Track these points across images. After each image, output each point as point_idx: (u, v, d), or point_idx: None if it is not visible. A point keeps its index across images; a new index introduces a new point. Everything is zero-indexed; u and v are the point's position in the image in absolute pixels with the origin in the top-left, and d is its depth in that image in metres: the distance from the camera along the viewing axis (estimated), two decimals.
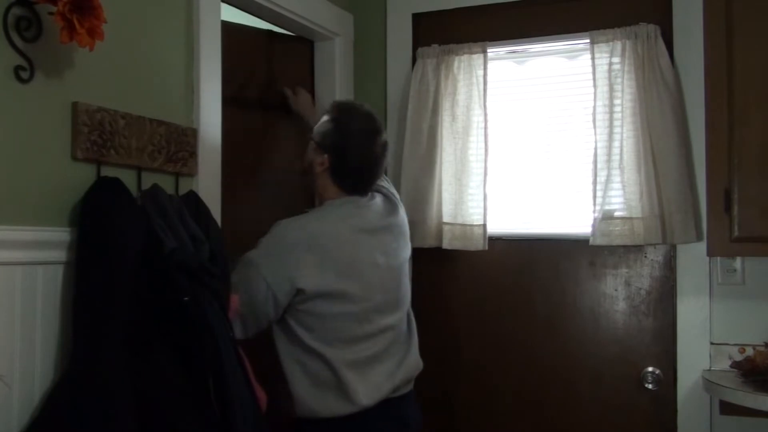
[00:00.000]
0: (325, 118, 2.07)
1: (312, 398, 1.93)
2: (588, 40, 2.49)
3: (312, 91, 2.71)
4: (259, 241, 1.96)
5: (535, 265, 2.66)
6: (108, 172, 1.63)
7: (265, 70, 2.50)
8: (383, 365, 2.02)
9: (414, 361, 2.12)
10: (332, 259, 1.94)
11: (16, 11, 1.42)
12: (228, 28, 2.19)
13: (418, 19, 2.81)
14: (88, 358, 1.45)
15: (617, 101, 2.44)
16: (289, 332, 1.95)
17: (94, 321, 1.47)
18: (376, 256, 2.04)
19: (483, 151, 2.59)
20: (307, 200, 2.68)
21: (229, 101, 2.16)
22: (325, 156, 2.02)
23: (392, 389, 2.01)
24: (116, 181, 1.59)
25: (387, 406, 1.99)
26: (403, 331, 2.12)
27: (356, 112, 2.10)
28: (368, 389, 1.96)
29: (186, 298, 1.58)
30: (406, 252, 2.20)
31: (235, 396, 1.63)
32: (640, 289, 2.53)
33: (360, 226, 2.04)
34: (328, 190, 2.06)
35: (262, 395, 1.86)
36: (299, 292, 1.90)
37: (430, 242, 2.64)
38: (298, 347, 1.94)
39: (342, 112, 2.09)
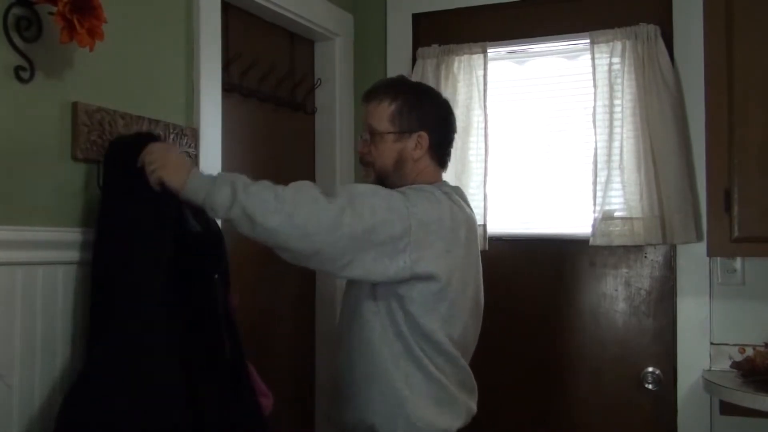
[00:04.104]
0: (392, 103, 1.80)
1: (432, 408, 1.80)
2: (588, 40, 2.49)
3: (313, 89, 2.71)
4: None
5: (535, 265, 2.66)
6: None
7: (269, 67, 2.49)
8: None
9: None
10: None
11: (16, 11, 1.42)
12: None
13: (418, 19, 2.81)
14: (126, 341, 1.45)
15: (617, 101, 2.44)
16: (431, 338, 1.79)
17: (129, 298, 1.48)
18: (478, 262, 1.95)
19: (483, 151, 2.59)
20: None
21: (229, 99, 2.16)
22: (422, 134, 1.81)
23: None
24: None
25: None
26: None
27: (423, 85, 2.02)
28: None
29: (216, 276, 1.60)
30: None
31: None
32: (640, 289, 2.53)
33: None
34: (427, 172, 1.85)
35: (267, 401, 1.86)
36: None
37: None
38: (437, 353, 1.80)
39: (412, 87, 1.90)
